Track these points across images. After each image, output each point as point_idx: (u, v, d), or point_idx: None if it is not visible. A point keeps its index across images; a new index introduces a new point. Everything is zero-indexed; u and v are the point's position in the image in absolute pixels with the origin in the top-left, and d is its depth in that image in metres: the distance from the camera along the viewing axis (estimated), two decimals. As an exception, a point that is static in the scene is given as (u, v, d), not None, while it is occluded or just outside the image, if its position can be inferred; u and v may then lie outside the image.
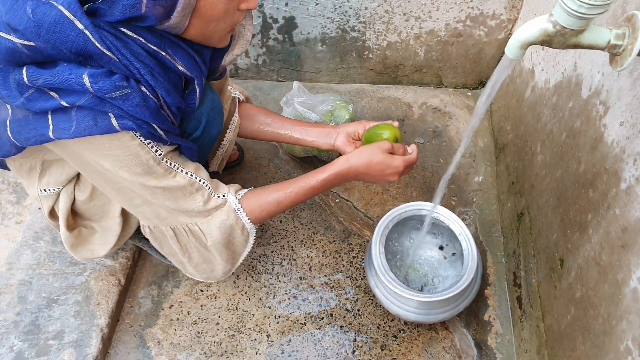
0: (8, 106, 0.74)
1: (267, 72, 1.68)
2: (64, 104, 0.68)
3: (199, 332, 1.17)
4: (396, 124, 1.04)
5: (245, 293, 1.22)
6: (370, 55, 1.59)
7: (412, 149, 0.97)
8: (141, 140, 0.76)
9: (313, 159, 1.47)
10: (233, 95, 1.14)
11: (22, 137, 0.73)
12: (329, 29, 1.51)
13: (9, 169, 0.97)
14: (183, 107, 0.81)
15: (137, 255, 1.26)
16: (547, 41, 0.60)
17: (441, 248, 1.24)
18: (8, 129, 0.74)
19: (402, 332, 1.17)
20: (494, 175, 1.45)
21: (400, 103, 1.63)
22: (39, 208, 1.03)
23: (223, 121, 1.02)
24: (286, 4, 1.44)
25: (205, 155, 1.03)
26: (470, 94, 1.67)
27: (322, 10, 1.46)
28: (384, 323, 1.18)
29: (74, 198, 0.99)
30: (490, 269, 1.27)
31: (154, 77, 0.72)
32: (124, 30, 0.68)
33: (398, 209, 1.13)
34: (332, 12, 1.46)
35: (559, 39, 0.59)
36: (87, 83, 0.66)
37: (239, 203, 0.91)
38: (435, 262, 1.22)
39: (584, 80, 0.98)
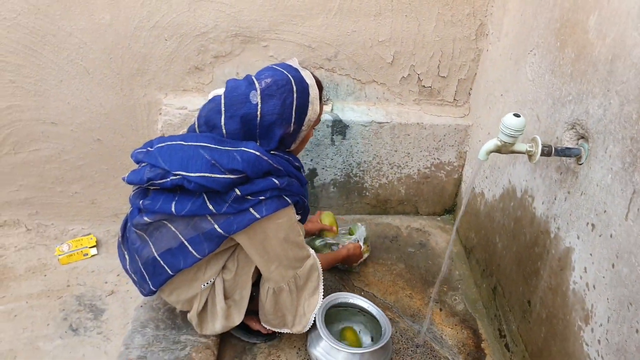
0: (210, 219, 1.22)
1: (290, 209, 2.24)
2: (262, 198, 1.22)
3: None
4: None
5: (305, 362, 1.58)
6: (367, 194, 2.22)
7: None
8: (294, 210, 1.32)
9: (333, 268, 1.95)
10: None
11: (233, 228, 1.22)
12: (338, 176, 2.15)
13: (155, 292, 1.38)
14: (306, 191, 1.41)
15: (220, 337, 1.60)
16: (498, 150, 1.23)
17: (372, 339, 1.64)
18: (218, 228, 1.22)
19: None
20: (469, 269, 2.00)
21: (391, 226, 2.22)
22: (196, 307, 1.40)
23: None
24: (311, 160, 2.09)
25: None
26: (439, 218, 2.30)
27: (335, 164, 2.11)
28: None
29: (223, 280, 1.40)
30: (482, 330, 1.73)
31: (297, 173, 1.33)
32: (275, 152, 1.28)
33: (331, 296, 1.56)
34: (342, 164, 2.12)
35: (504, 148, 1.23)
36: (278, 183, 1.23)
37: None
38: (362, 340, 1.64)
39: (516, 187, 1.63)
